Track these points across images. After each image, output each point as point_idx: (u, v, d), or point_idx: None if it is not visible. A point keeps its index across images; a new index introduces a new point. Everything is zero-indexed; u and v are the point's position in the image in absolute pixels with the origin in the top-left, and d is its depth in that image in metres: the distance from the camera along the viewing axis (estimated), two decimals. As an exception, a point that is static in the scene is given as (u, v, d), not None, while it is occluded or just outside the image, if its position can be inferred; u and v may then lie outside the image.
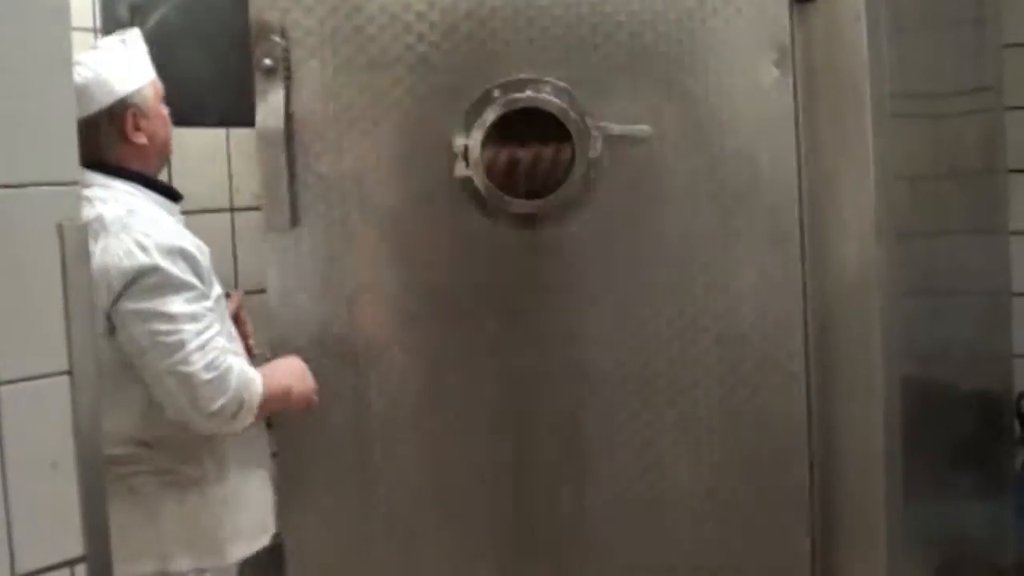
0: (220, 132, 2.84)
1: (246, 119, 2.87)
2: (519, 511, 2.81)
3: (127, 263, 2.29)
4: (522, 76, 2.66)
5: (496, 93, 2.65)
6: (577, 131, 2.66)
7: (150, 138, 2.46)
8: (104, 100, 2.40)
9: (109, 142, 2.42)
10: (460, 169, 2.64)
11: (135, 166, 2.44)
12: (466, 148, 2.62)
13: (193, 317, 2.30)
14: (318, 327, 2.69)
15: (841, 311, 2.85)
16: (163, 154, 2.53)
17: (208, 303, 2.37)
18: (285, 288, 2.67)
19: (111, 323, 2.30)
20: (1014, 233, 3.66)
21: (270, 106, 2.56)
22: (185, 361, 2.28)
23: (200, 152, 2.70)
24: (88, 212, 2.26)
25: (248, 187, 2.89)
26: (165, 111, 2.51)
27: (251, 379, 2.38)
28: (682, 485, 2.79)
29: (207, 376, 2.29)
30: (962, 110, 3.34)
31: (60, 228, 1.58)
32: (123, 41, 2.48)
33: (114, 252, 2.29)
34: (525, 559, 2.83)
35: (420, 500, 2.79)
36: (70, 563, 1.59)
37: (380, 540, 2.79)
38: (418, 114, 2.67)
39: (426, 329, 2.75)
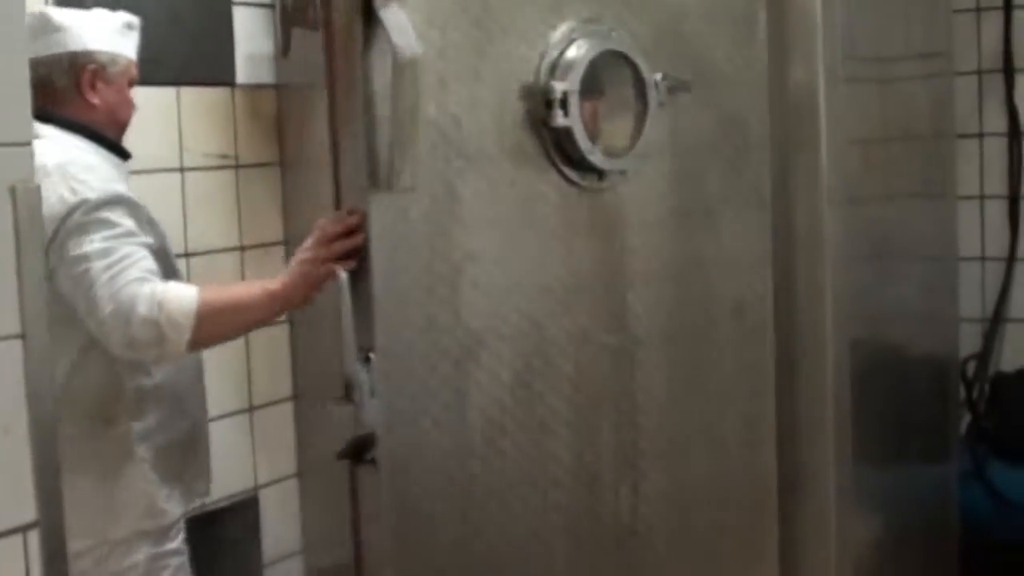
0: (170, 91, 2.79)
1: (197, 78, 2.84)
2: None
3: (58, 208, 2.24)
4: (591, 18, 2.44)
5: (575, 36, 2.39)
6: (650, 81, 2.49)
7: (104, 104, 2.42)
8: (70, 45, 2.37)
9: (64, 91, 2.38)
10: (559, 118, 2.36)
11: (84, 122, 2.41)
12: (564, 95, 2.35)
13: (103, 253, 2.24)
14: (426, 314, 2.28)
15: (793, 274, 2.88)
16: (116, 126, 2.48)
17: (136, 239, 2.29)
18: (394, 267, 2.21)
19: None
20: (961, 198, 3.70)
21: (401, 27, 2.10)
22: (93, 298, 2.23)
23: (150, 111, 2.66)
24: None
25: (199, 147, 2.85)
26: (132, 98, 2.47)
27: (169, 299, 2.23)
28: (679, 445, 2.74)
29: (108, 309, 2.22)
30: (912, 75, 3.36)
31: (13, 190, 1.55)
32: (128, 23, 2.45)
33: (47, 198, 2.24)
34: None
35: (520, 517, 2.45)
36: (23, 529, 1.57)
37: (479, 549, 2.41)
38: (509, 50, 2.35)
39: (524, 311, 2.40)
